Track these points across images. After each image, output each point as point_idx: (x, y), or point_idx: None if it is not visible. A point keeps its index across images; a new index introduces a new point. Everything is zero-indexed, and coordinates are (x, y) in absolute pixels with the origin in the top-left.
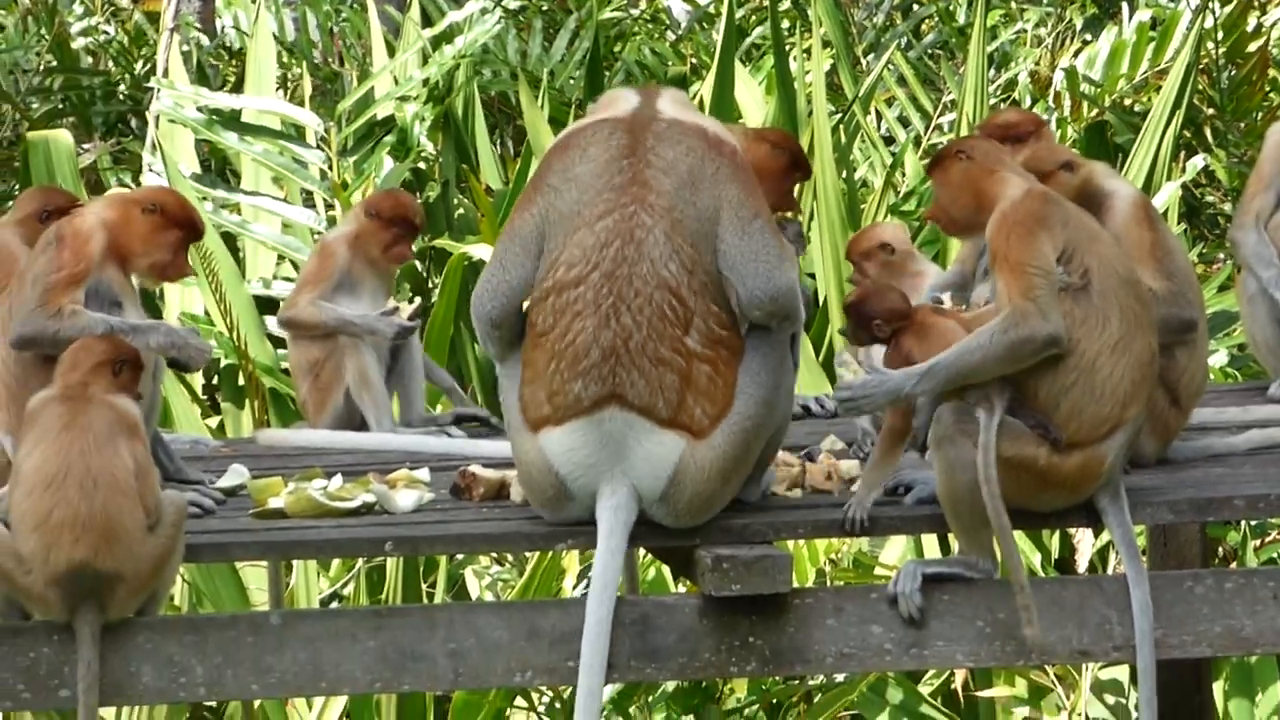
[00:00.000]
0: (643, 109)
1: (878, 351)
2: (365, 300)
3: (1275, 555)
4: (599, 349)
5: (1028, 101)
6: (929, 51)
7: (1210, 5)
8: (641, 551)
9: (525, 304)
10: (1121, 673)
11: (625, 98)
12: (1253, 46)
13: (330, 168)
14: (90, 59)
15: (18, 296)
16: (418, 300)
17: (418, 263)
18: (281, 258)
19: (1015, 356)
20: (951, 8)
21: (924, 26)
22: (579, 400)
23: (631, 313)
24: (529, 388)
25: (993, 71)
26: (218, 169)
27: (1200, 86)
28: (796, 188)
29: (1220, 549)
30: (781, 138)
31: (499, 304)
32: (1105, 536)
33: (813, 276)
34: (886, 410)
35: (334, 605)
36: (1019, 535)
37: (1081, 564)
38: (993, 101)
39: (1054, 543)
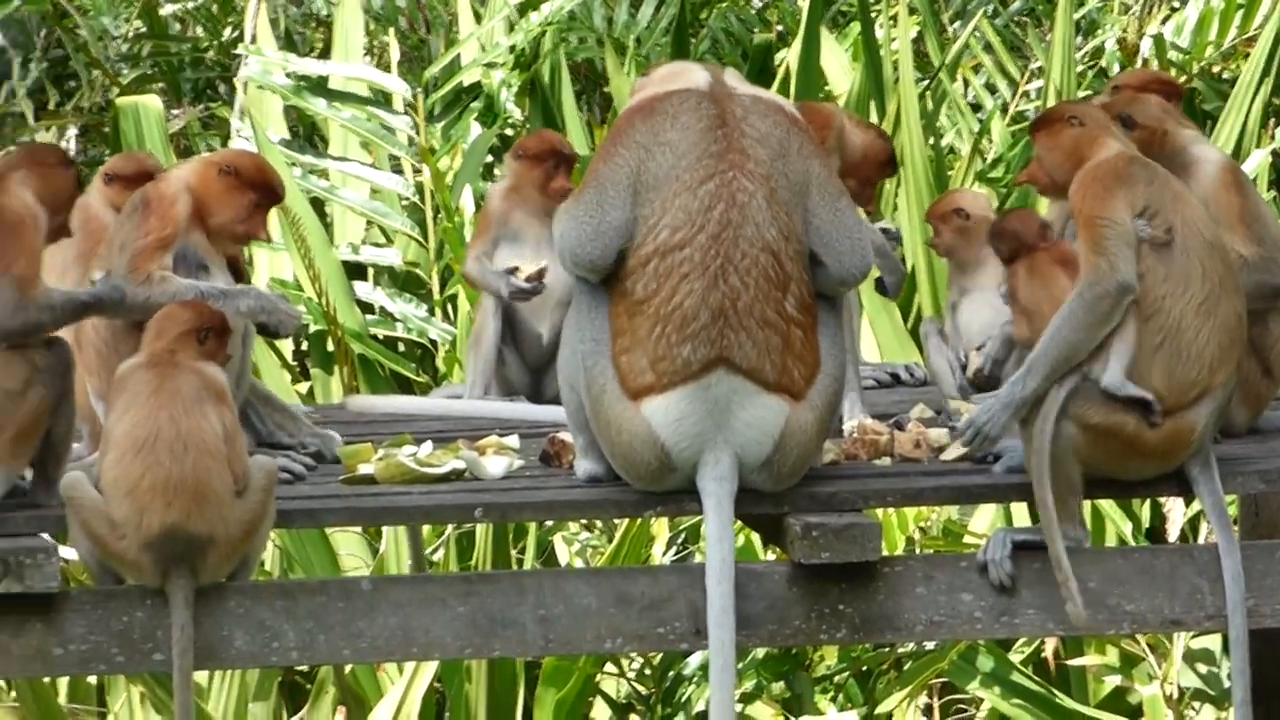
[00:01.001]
0: (716, 83)
1: (964, 321)
2: (529, 251)
3: None
4: (708, 310)
5: (1115, 69)
6: (1016, 19)
7: None
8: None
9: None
10: (1213, 642)
11: (693, 71)
12: None
13: (417, 133)
14: (179, 25)
15: (108, 263)
16: (544, 263)
17: None
18: (370, 223)
19: (1098, 315)
20: None
21: None
22: (687, 364)
23: (739, 274)
24: (625, 357)
25: (1080, 39)
26: (306, 135)
27: None
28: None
29: None
30: (884, 133)
31: (600, 245)
32: (1196, 506)
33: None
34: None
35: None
36: (1109, 504)
37: (1172, 533)
38: (1079, 69)
39: (1145, 511)
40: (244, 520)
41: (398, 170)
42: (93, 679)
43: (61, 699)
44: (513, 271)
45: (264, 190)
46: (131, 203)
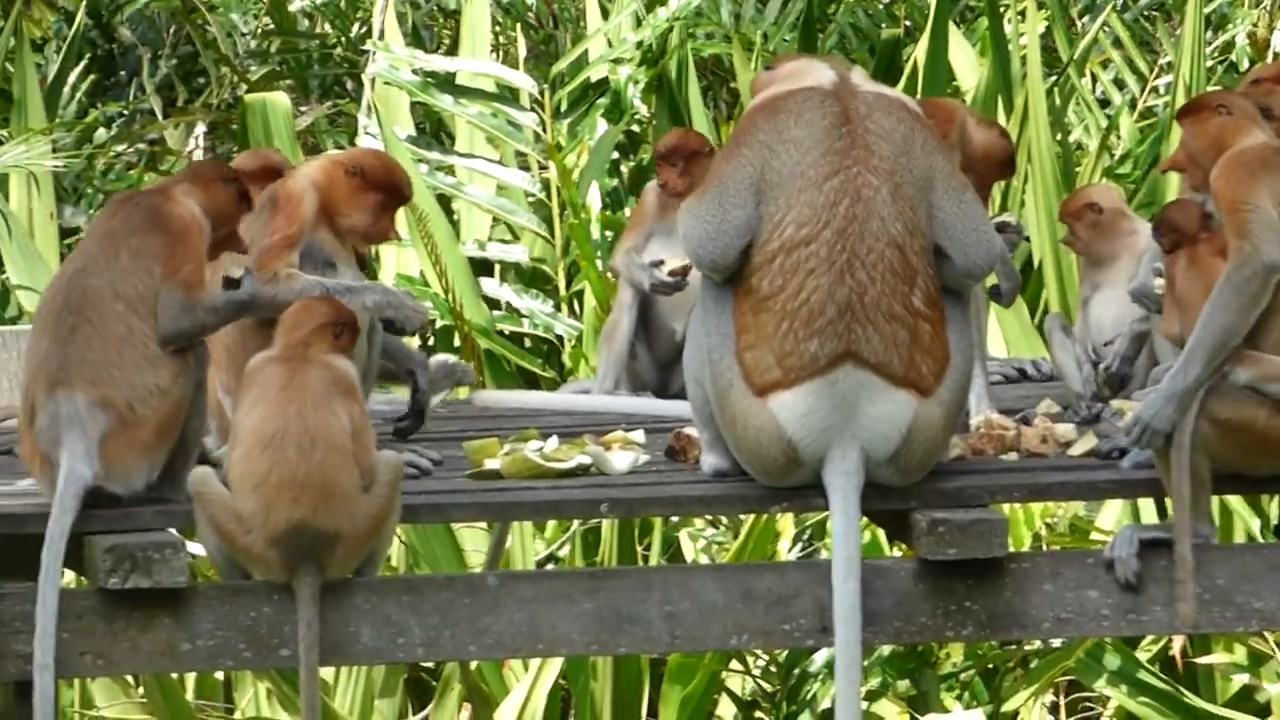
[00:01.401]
0: (840, 80)
1: (1095, 316)
2: (680, 248)
3: None
4: (834, 305)
5: (1245, 64)
6: (1145, 13)
7: None
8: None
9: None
10: None
11: (819, 68)
12: None
13: (544, 130)
14: (307, 22)
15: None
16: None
17: None
18: (496, 220)
19: (1248, 296)
20: None
21: None
22: (815, 359)
23: (865, 268)
24: (751, 353)
25: (1210, 33)
26: (433, 131)
27: None
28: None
29: None
30: (1005, 133)
31: (722, 245)
32: None
33: (1027, 239)
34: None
35: (549, 567)
36: (1238, 500)
37: None
38: (1209, 64)
39: (1274, 508)
40: (370, 516)
41: (524, 166)
42: (220, 675)
43: (189, 695)
44: (658, 265)
45: (390, 191)
46: (260, 201)
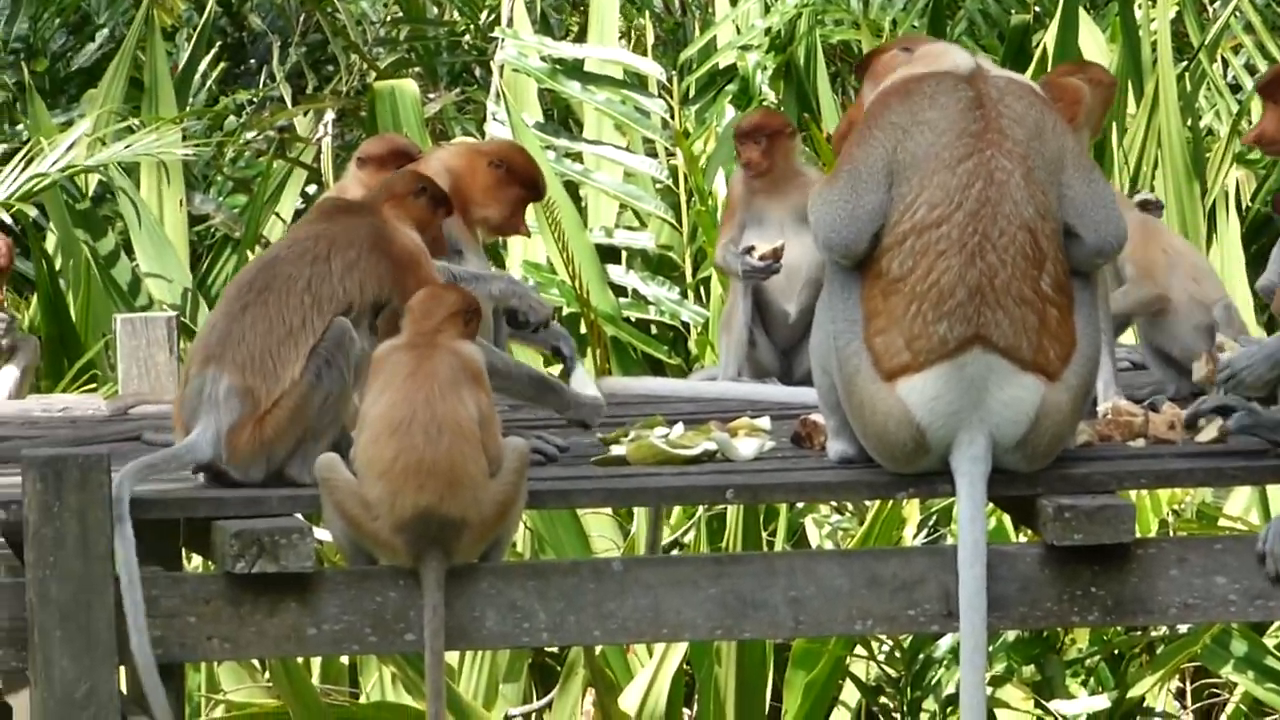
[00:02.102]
0: (974, 65)
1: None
2: (774, 233)
3: None
4: (965, 288)
5: None
6: None
7: None
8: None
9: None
10: None
11: (954, 52)
12: None
13: (672, 116)
14: (435, 9)
15: None
16: (780, 242)
17: None
18: (623, 207)
19: None
20: None
21: None
22: (944, 342)
23: (996, 251)
24: (880, 337)
25: None
26: (560, 118)
27: None
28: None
29: None
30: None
31: (855, 230)
32: None
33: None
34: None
35: (674, 553)
36: None
37: None
38: None
39: None
40: (496, 502)
41: (652, 153)
42: (345, 659)
43: (314, 679)
44: (749, 251)
45: (531, 187)
46: None
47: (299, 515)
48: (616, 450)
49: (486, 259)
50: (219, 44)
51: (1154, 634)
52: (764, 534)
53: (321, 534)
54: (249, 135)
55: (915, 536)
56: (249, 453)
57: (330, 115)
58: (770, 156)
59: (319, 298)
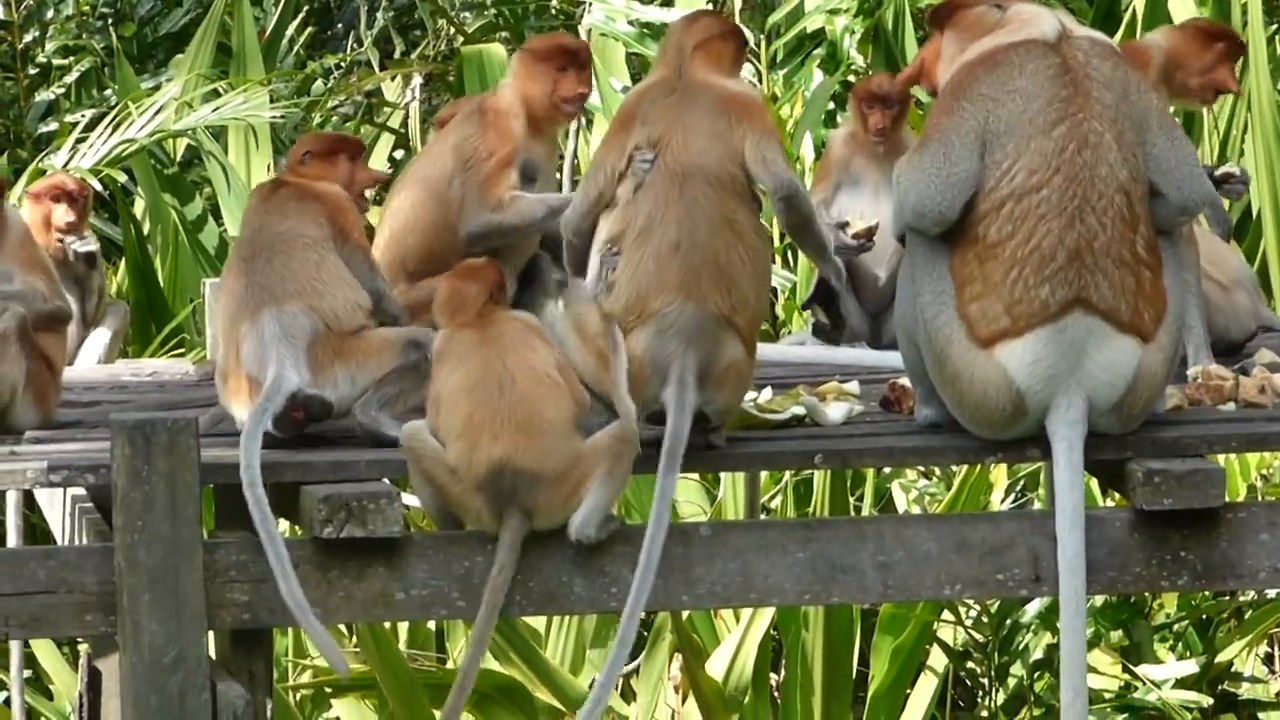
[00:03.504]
0: (1061, 29)
1: None
2: (869, 195)
3: None
4: (1065, 251)
5: None
6: None
7: None
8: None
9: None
10: None
11: (1040, 18)
12: None
13: (760, 81)
14: None
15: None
16: (875, 220)
17: None
18: None
19: None
20: None
21: None
22: (1045, 306)
23: (1096, 214)
24: (975, 304)
25: None
26: None
27: None
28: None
29: None
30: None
31: (950, 198)
32: None
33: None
34: None
35: (762, 518)
36: None
37: None
38: None
39: None
40: (577, 455)
41: None
42: (432, 624)
43: (401, 645)
44: (844, 226)
45: (559, 53)
46: (465, 112)
47: (386, 480)
48: None
49: (556, 180)
50: (306, 8)
51: (1242, 599)
52: (851, 499)
53: (409, 499)
54: (336, 100)
55: (1002, 502)
56: (330, 372)
57: (418, 80)
58: (896, 124)
59: (312, 238)
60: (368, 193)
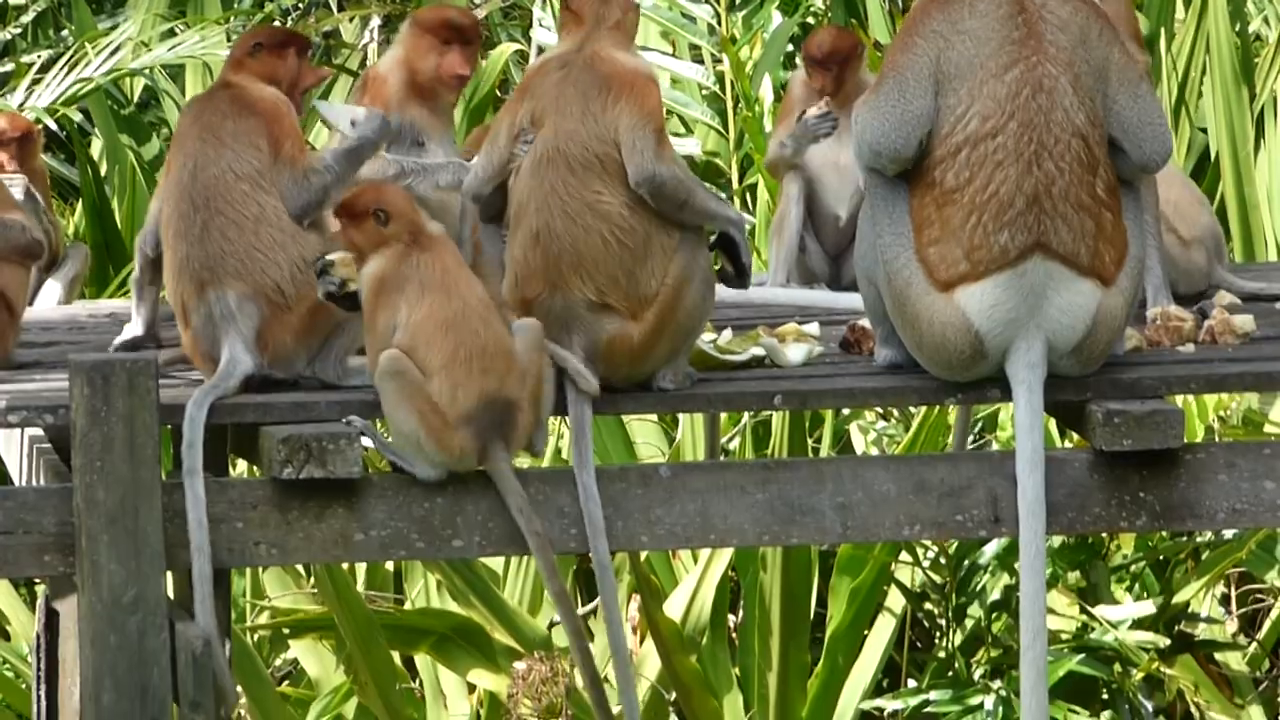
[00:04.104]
0: None
1: None
2: (829, 140)
3: None
4: (1023, 196)
5: None
6: None
7: None
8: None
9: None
10: None
11: None
12: None
13: (718, 22)
14: None
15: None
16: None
17: None
18: (669, 113)
19: None
20: None
21: None
22: (1005, 251)
23: (1053, 158)
24: (934, 248)
25: None
26: None
27: None
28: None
29: None
30: None
31: (905, 134)
32: None
33: (1204, 131)
34: None
35: (721, 459)
36: None
37: None
38: None
39: None
40: (533, 377)
41: (698, 60)
42: (390, 566)
43: (359, 586)
44: (800, 116)
45: (439, 29)
46: (355, 84)
47: (354, 418)
48: None
49: (454, 146)
50: None
51: (1199, 540)
52: (809, 441)
53: (368, 441)
54: None
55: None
56: (284, 350)
57: (376, 21)
58: (843, 80)
59: (250, 177)
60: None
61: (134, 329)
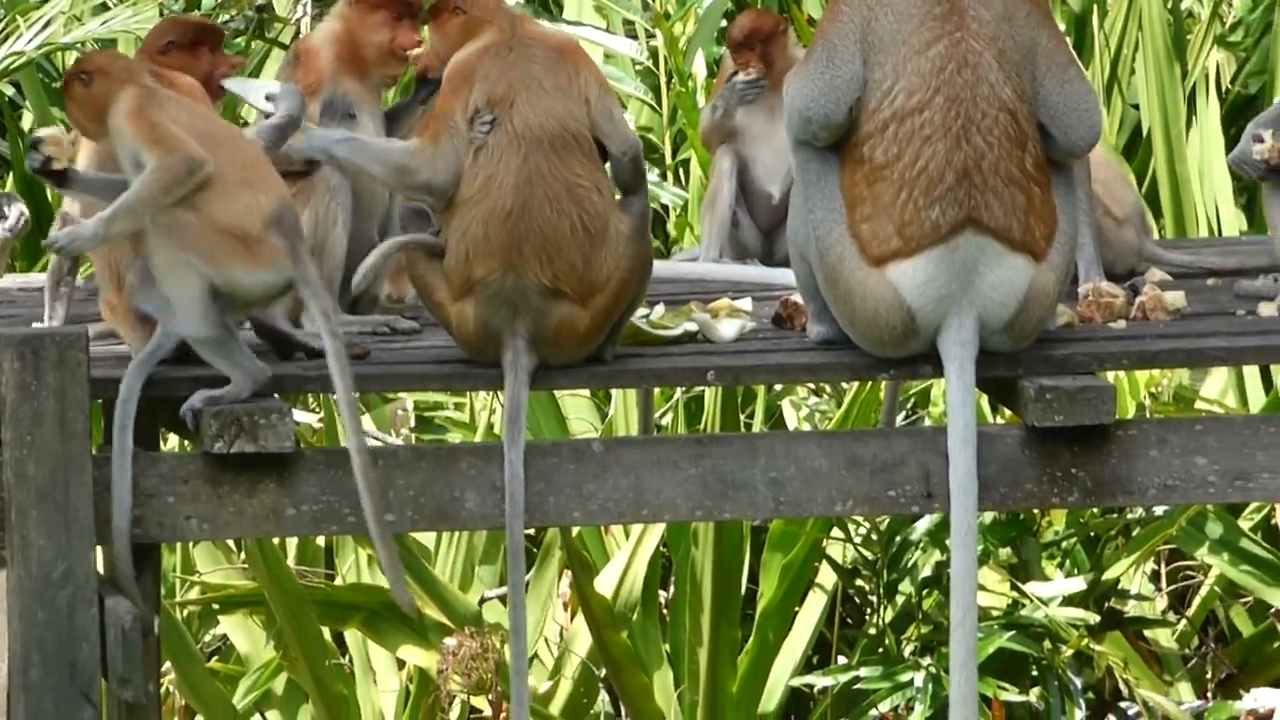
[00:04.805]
0: None
1: None
2: (763, 115)
3: None
4: (953, 171)
5: None
6: None
7: None
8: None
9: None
10: None
11: None
12: None
13: None
14: None
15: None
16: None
17: None
18: None
19: None
20: None
21: None
22: (936, 227)
23: (981, 133)
24: (866, 224)
25: None
26: (540, 0)
27: None
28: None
29: None
30: None
31: (834, 99)
32: None
33: (1136, 108)
34: None
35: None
36: None
37: None
38: None
39: None
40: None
41: (631, 35)
42: (321, 541)
43: (290, 562)
44: (731, 77)
45: (394, 3)
46: (285, 58)
47: (276, 395)
48: None
49: (383, 121)
50: None
51: (1129, 516)
52: (742, 417)
53: (301, 415)
54: (227, 16)
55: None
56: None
57: None
58: (768, 60)
59: None
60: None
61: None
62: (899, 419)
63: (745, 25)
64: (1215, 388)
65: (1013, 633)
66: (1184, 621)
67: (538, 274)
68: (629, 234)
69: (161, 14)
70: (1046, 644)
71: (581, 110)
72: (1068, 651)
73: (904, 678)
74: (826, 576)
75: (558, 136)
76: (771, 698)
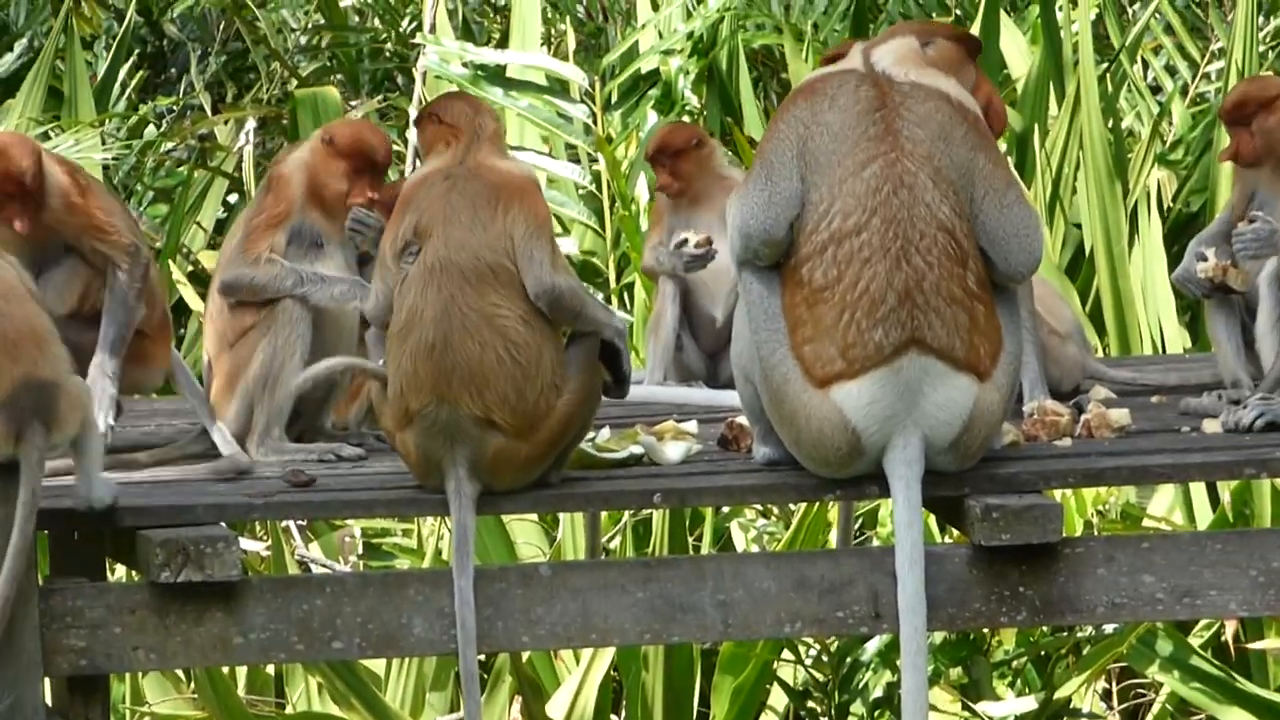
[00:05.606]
0: (876, 64)
1: None
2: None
3: None
4: (894, 293)
5: None
6: None
7: None
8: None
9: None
10: None
11: (858, 50)
12: None
13: (594, 122)
14: (357, 17)
15: (229, 241)
16: (706, 235)
17: None
18: None
19: None
20: None
21: None
22: (880, 349)
23: (920, 254)
24: (809, 346)
25: (1262, 19)
26: None
27: None
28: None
29: None
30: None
31: (773, 215)
32: None
33: (1078, 227)
34: None
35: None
36: None
37: None
38: (1261, 49)
39: None
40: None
41: (575, 159)
42: (271, 669)
43: (240, 691)
44: (682, 244)
45: (357, 156)
46: (261, 184)
47: (223, 524)
48: None
49: (353, 257)
50: (138, 53)
51: (1080, 635)
52: (690, 539)
53: (248, 544)
54: (170, 145)
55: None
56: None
57: (251, 124)
58: (681, 175)
59: None
60: None
61: None
62: None
63: (656, 139)
64: (1162, 505)
65: None
66: None
67: (469, 405)
68: (576, 367)
69: (104, 143)
70: None
71: (502, 245)
72: None
73: None
74: (778, 698)
75: (470, 270)
76: None
